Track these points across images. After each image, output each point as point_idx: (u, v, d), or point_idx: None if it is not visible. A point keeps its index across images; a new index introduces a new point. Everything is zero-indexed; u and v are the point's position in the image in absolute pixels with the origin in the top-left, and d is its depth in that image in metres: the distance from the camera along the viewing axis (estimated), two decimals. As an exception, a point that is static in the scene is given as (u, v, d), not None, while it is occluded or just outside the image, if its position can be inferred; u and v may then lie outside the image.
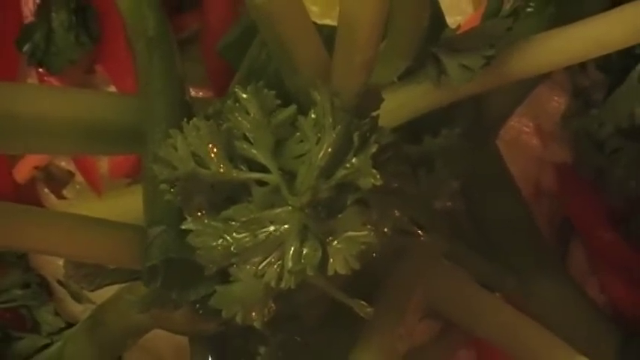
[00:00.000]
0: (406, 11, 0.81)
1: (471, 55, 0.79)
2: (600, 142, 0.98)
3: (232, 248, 0.72)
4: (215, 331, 0.82)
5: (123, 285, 0.85)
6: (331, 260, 0.70)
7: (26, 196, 1.09)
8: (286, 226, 0.71)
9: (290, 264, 0.70)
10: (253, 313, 0.72)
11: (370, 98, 0.74)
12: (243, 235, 0.72)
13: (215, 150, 0.72)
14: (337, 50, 0.74)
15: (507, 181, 0.96)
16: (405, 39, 0.82)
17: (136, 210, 0.81)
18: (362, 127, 0.72)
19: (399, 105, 0.82)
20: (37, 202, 1.09)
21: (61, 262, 0.87)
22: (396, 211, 0.75)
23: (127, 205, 0.90)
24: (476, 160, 0.91)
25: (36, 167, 1.08)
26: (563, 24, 0.79)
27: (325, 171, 0.71)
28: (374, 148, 0.71)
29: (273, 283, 0.71)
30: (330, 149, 0.71)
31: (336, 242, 0.70)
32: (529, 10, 0.89)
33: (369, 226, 0.71)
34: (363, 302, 0.73)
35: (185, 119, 0.74)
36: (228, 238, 0.72)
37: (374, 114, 0.74)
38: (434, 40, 0.81)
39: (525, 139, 1.03)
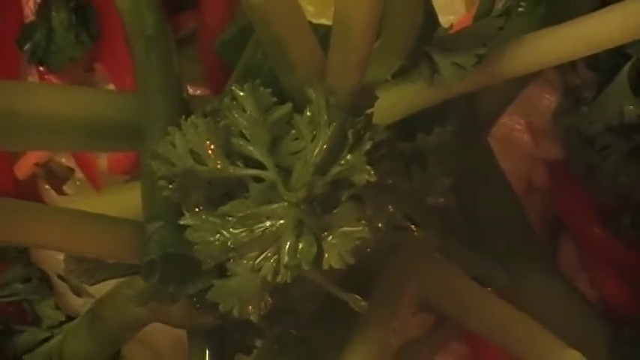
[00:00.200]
0: (400, 10, 0.81)
1: (464, 54, 0.79)
2: (590, 139, 0.98)
3: (229, 243, 0.72)
4: (212, 325, 0.82)
5: (122, 279, 0.85)
6: (326, 255, 0.70)
7: (27, 192, 1.09)
8: (282, 222, 0.71)
9: (286, 258, 0.70)
10: (250, 307, 0.72)
11: (364, 96, 0.74)
12: (240, 230, 0.72)
13: (212, 147, 0.73)
14: (332, 49, 0.74)
15: (499, 178, 0.96)
16: (398, 38, 0.82)
17: (134, 206, 0.82)
18: (356, 125, 0.72)
19: (392, 103, 0.82)
20: (38, 198, 1.09)
21: (61, 256, 0.87)
22: (389, 207, 0.75)
23: (126, 201, 0.90)
24: (468, 157, 0.90)
25: (36, 164, 1.08)
26: (553, 24, 0.79)
27: (320, 167, 0.71)
28: (368, 145, 0.71)
29: (269, 278, 0.71)
30: (325, 146, 0.71)
31: (331, 237, 0.70)
32: (520, 10, 0.89)
33: (363, 222, 0.71)
34: (357, 296, 0.73)
35: (183, 117, 0.74)
36: (225, 233, 0.72)
37: (368, 112, 0.74)
38: (427, 39, 0.81)
39: (517, 137, 1.03)
